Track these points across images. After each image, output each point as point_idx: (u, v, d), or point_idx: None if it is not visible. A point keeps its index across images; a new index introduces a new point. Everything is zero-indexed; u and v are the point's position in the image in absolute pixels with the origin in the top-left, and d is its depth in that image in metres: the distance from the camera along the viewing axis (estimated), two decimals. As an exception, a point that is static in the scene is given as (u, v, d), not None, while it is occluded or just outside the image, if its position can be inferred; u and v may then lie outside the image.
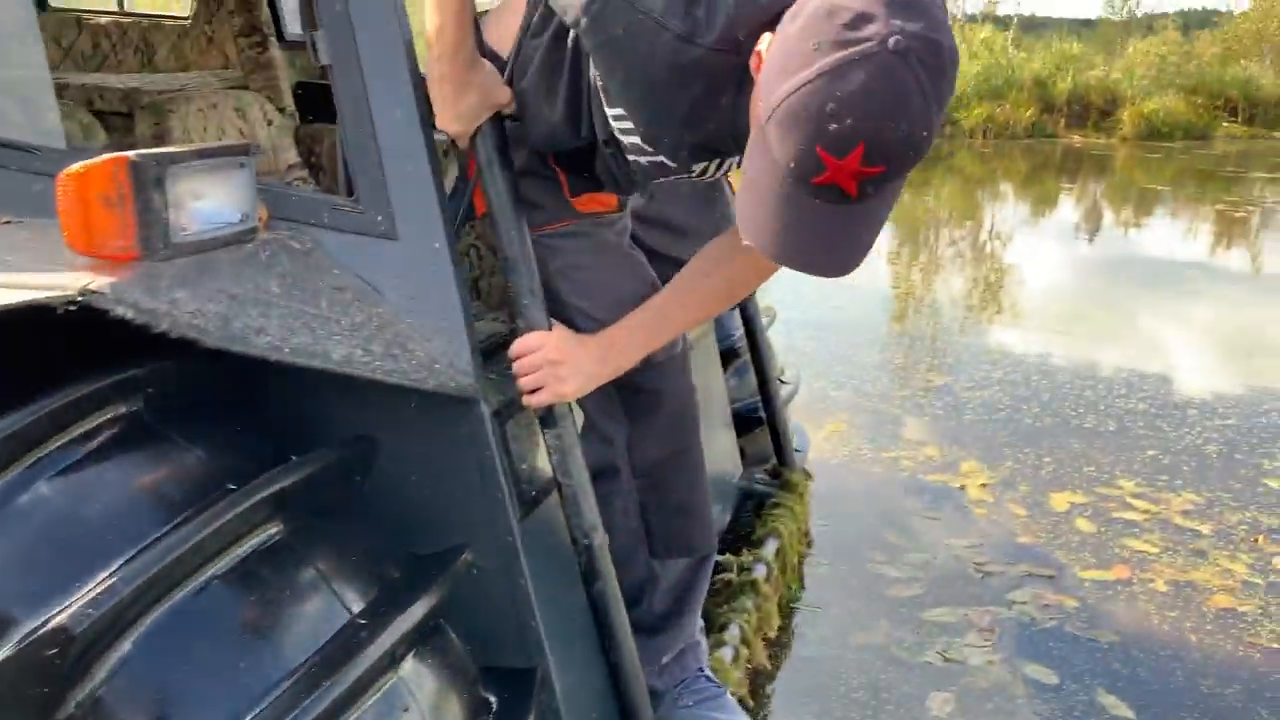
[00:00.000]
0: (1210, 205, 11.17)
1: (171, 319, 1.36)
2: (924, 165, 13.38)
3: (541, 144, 1.67)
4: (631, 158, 1.50)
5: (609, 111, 1.47)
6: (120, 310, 1.29)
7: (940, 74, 1.03)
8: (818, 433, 3.94)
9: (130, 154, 1.38)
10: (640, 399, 1.77)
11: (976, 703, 2.42)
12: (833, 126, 1.00)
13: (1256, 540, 3.31)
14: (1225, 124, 19.17)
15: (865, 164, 1.02)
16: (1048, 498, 3.56)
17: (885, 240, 8.81)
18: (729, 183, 1.97)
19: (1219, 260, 8.30)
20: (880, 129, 1.00)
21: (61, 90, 3.13)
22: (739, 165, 1.50)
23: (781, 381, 3.43)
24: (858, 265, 1.15)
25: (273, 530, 1.34)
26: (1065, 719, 2.40)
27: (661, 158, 1.43)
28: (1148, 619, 2.83)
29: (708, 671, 1.94)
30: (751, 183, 1.13)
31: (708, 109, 1.19)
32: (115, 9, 4.15)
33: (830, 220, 1.08)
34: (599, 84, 1.46)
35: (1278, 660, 2.65)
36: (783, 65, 1.05)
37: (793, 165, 1.05)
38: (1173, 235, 9.44)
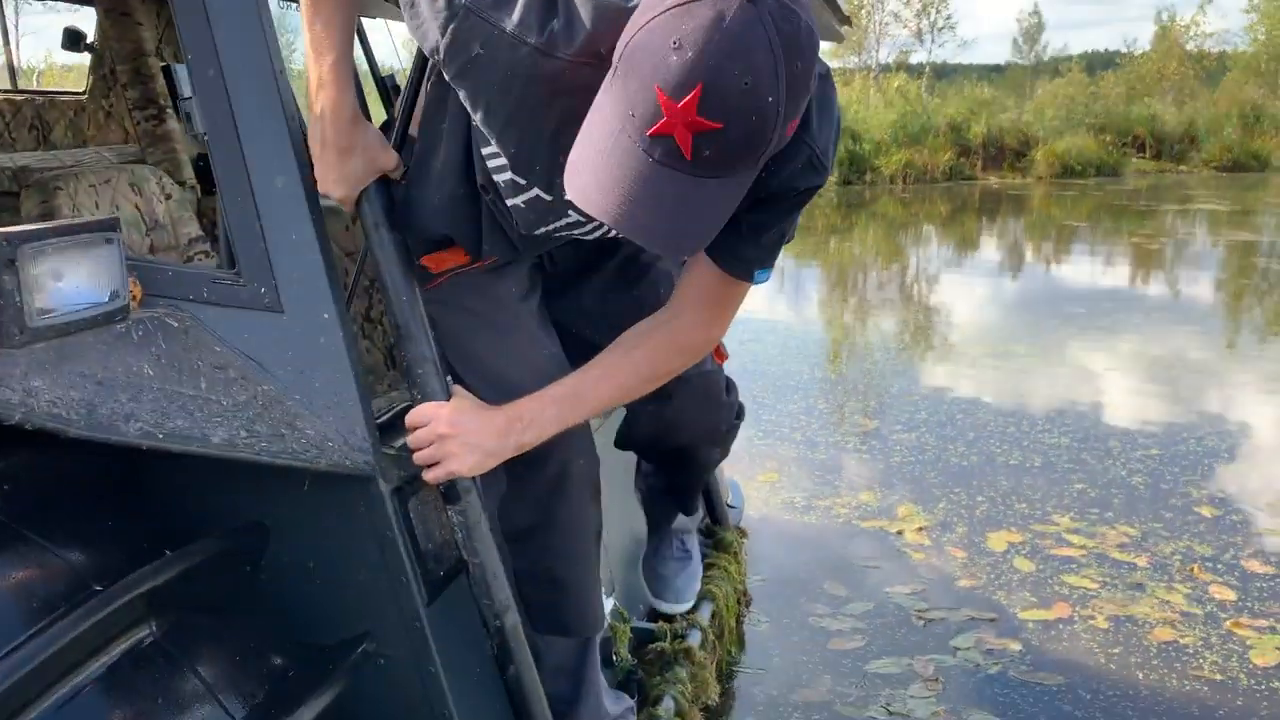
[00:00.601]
0: (1126, 238, 11.45)
1: (26, 409, 1.25)
2: (847, 210, 13.66)
3: (434, 210, 1.56)
4: (509, 201, 1.42)
5: (483, 151, 1.39)
6: (-36, 403, 1.18)
7: (794, 45, 0.99)
8: (750, 483, 3.87)
9: (-24, 234, 1.28)
10: (517, 462, 1.62)
11: (924, 757, 2.34)
12: (673, 59, 0.96)
13: (1192, 570, 3.28)
14: (1135, 160, 19.80)
15: (702, 112, 0.97)
16: (985, 538, 3.51)
17: (813, 285, 8.88)
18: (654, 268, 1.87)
19: (1138, 291, 8.46)
20: (721, 70, 0.96)
21: (-54, 169, 3.00)
22: None
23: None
24: (693, 249, 1.09)
25: (144, 633, 1.22)
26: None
27: (536, 190, 1.36)
28: (1091, 657, 2.77)
29: None
30: (588, 135, 1.08)
31: (576, 124, 1.12)
32: (8, 87, 4.02)
33: (666, 185, 1.03)
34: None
35: (1225, 693, 2.60)
36: (636, 17, 1.03)
37: (632, 112, 1.01)
38: (1093, 269, 9.63)
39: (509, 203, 1.42)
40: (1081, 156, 18.07)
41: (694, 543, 2.22)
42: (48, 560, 1.24)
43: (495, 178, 1.40)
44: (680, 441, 1.86)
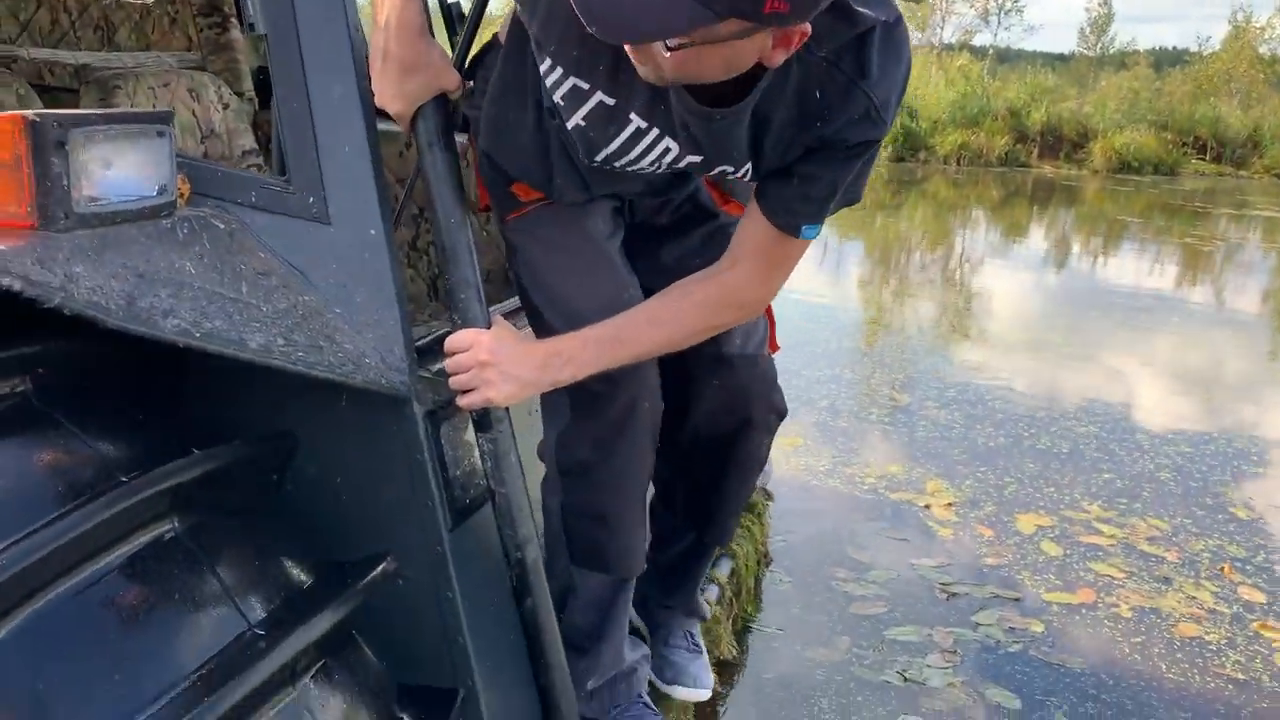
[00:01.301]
0: (1177, 239, 11.20)
1: (66, 295, 1.22)
2: (898, 188, 13.50)
3: (509, 146, 1.54)
4: (571, 123, 1.37)
5: (540, 69, 1.35)
6: (7, 281, 1.15)
7: None
8: (775, 448, 3.82)
9: (30, 113, 1.25)
10: (584, 394, 1.59)
11: (935, 729, 2.30)
12: None
13: (1222, 569, 3.20)
14: (1194, 161, 19.34)
15: None
16: (1014, 519, 3.45)
17: (855, 261, 8.76)
18: None
19: (1183, 293, 8.27)
20: None
21: (10, 63, 2.98)
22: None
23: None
24: (633, 37, 1.05)
25: (166, 527, 1.20)
26: (1024, 746, 2.29)
27: (599, 95, 1.30)
28: (1114, 645, 2.71)
29: (645, 698, 1.80)
30: None
31: None
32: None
33: None
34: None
35: (1248, 693, 2.53)
36: None
37: None
38: (1139, 267, 9.42)
39: (570, 124, 1.37)
40: (1140, 153, 17.65)
41: (700, 635, 2.11)
42: (77, 447, 1.22)
43: (555, 97, 1.35)
44: (741, 416, 1.75)
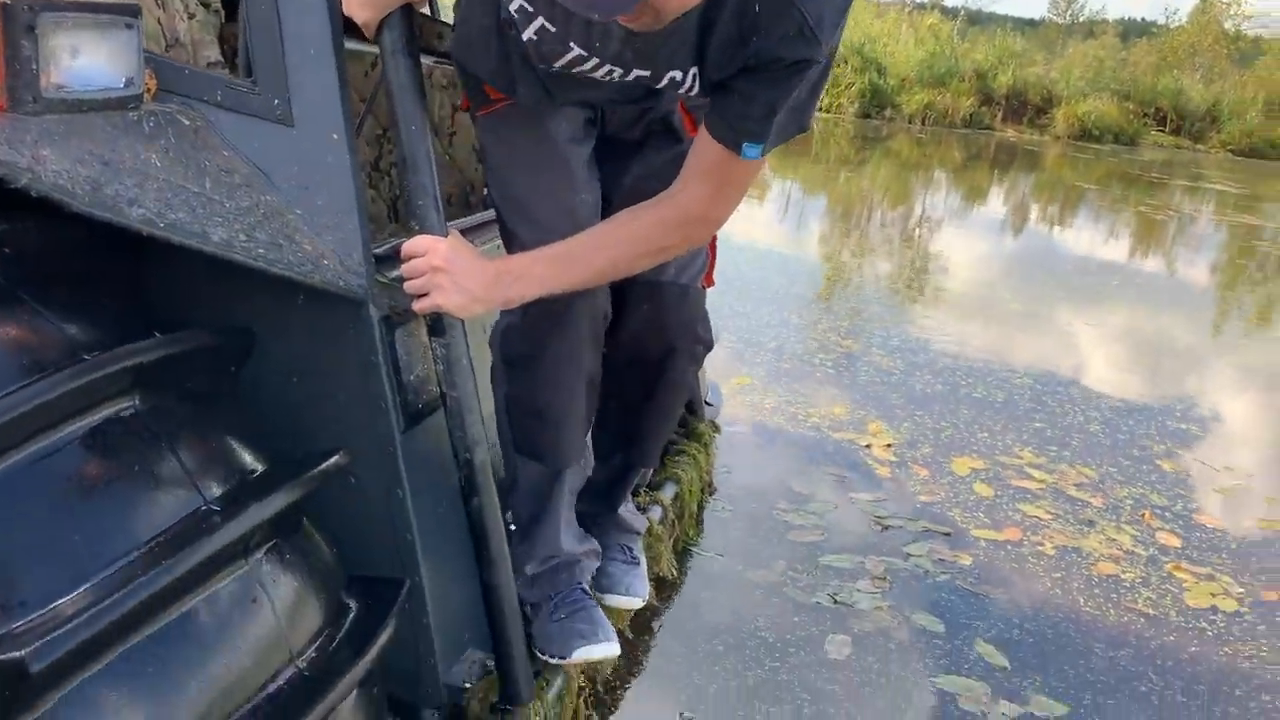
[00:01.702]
0: (1133, 208, 11.36)
1: (33, 175, 1.25)
2: (863, 144, 13.51)
3: (473, 47, 1.58)
4: (524, 35, 1.42)
5: None
6: (-26, 160, 1.18)
7: None
8: (724, 386, 3.91)
9: (-1, -2, 1.26)
10: None
11: (868, 646, 2.41)
12: None
13: (1143, 515, 3.34)
14: (1154, 132, 19.54)
15: None
16: (950, 460, 3.57)
17: (818, 217, 8.82)
18: None
19: (1134, 262, 8.43)
20: None
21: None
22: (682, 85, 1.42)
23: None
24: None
25: (126, 404, 1.24)
26: (944, 662, 2.40)
27: (541, 20, 1.35)
28: (1035, 579, 2.84)
29: (585, 587, 1.87)
30: None
31: None
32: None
33: None
34: None
35: (1157, 627, 2.67)
36: None
37: None
38: (1094, 236, 9.57)
39: (524, 36, 1.42)
40: (1101, 121, 17.82)
41: (640, 549, 2.17)
42: (41, 325, 1.26)
43: (510, 9, 1.39)
44: (666, 342, 1.81)
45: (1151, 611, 2.74)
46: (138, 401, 1.26)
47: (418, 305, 1.53)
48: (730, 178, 1.47)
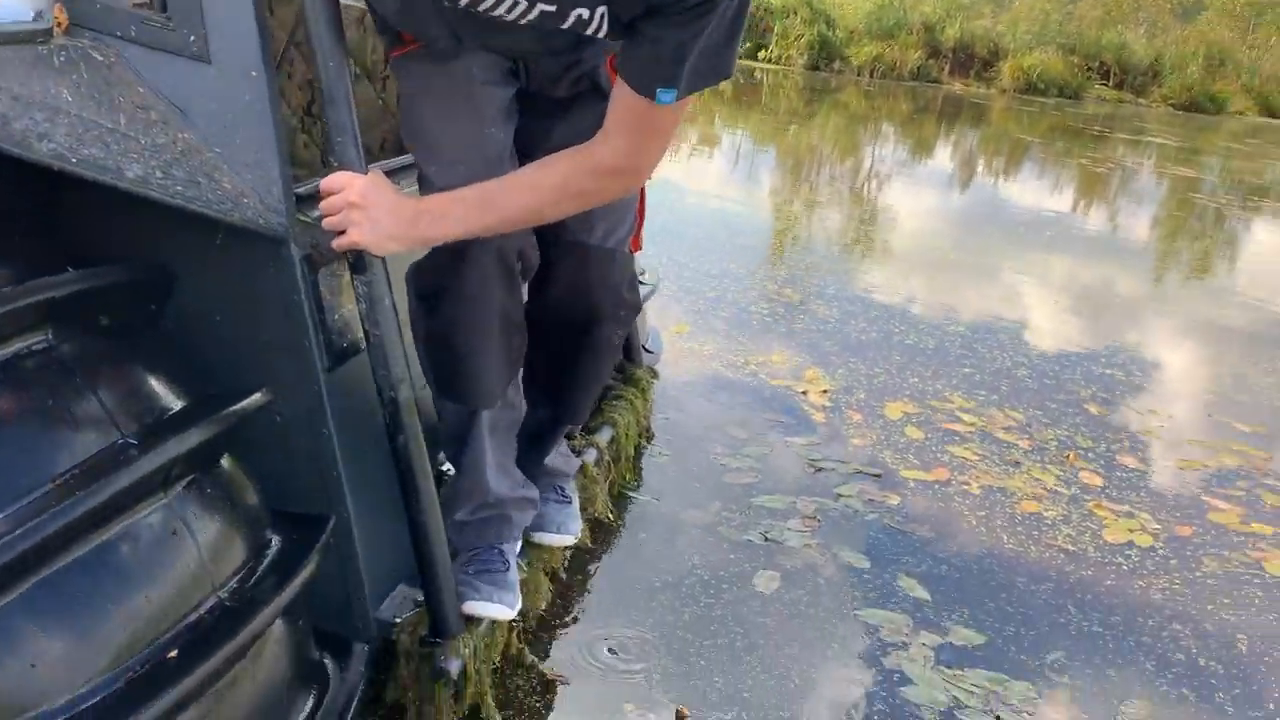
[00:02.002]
0: (1076, 161, 11.50)
1: (-63, 111, 1.24)
2: (811, 97, 13.45)
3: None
4: None
5: None
6: (-126, 94, 1.16)
7: None
8: (666, 333, 3.95)
9: (-104, -75, 1.24)
10: None
11: (797, 581, 2.47)
12: None
13: (1067, 456, 3.44)
14: (1097, 86, 19.71)
15: None
16: (883, 405, 3.64)
17: (767, 170, 8.84)
18: None
19: (1077, 215, 8.54)
20: None
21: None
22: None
23: (640, 282, 3.39)
24: None
25: (39, 338, 1.24)
26: (869, 596, 2.48)
27: None
28: (961, 517, 2.92)
29: (504, 548, 1.90)
30: None
31: None
32: None
33: None
34: None
35: (1076, 562, 2.77)
36: None
37: None
38: (1040, 189, 9.68)
39: None
40: (1046, 74, 17.95)
41: (573, 489, 2.20)
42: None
43: None
44: (591, 304, 1.82)
45: (1071, 547, 2.84)
46: (50, 336, 1.26)
47: (335, 242, 1.53)
48: (647, 125, 1.46)
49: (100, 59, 1.48)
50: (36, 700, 1.11)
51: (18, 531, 1.08)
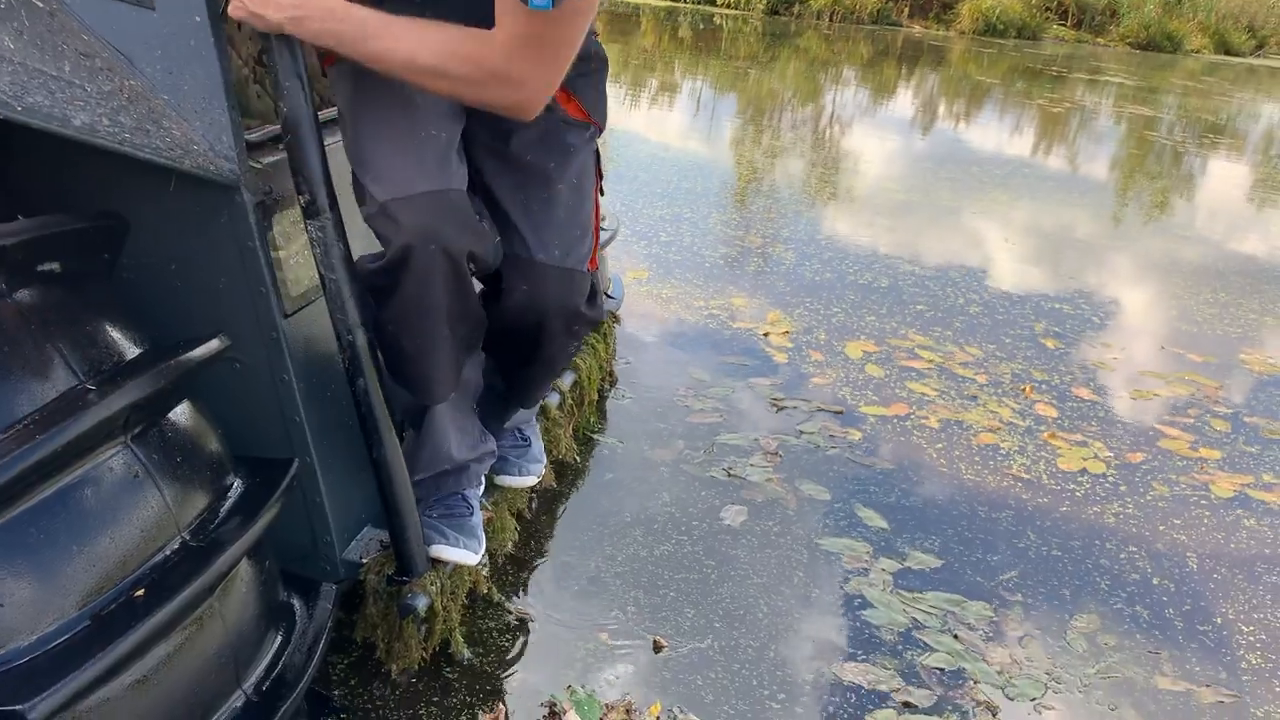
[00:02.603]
0: (1035, 102, 11.53)
1: (-125, 59, 1.22)
2: (771, 41, 13.34)
3: None
4: None
5: None
6: None
7: None
8: (627, 280, 3.97)
9: None
10: (375, 222, 1.61)
11: (760, 513, 2.52)
12: None
13: (1024, 389, 3.51)
14: (1055, 26, 19.71)
15: None
16: (844, 345, 3.68)
17: (729, 120, 8.80)
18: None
19: (1037, 157, 8.58)
20: None
21: None
22: None
23: (600, 228, 3.40)
24: None
25: (-9, 287, 1.24)
26: (828, 525, 2.54)
27: None
28: (919, 450, 2.98)
29: (467, 493, 1.92)
30: None
31: None
32: None
33: None
34: None
35: (1031, 490, 2.84)
36: None
37: None
38: (999, 131, 9.70)
39: None
40: (1005, 16, 17.93)
41: (533, 430, 2.21)
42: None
43: None
44: (542, 321, 1.80)
45: (1027, 476, 2.91)
46: (2, 284, 1.26)
47: (230, 9, 1.49)
48: (525, 32, 1.39)
49: (42, 6, 1.47)
50: (5, 639, 1.13)
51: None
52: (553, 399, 2.53)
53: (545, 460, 2.24)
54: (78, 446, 1.19)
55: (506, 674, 1.93)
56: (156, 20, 1.52)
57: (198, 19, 1.51)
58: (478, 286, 1.80)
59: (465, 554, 1.85)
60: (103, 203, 1.55)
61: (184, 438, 1.41)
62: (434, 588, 1.79)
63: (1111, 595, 2.41)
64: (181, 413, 1.43)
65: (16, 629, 1.12)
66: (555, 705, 1.85)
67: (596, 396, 2.91)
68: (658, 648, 2.04)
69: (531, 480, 2.14)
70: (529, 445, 2.16)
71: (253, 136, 1.68)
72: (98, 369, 1.30)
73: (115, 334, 1.40)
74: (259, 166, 1.61)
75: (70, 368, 1.27)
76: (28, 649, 1.13)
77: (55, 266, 1.35)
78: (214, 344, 1.50)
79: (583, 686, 1.91)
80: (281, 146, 1.63)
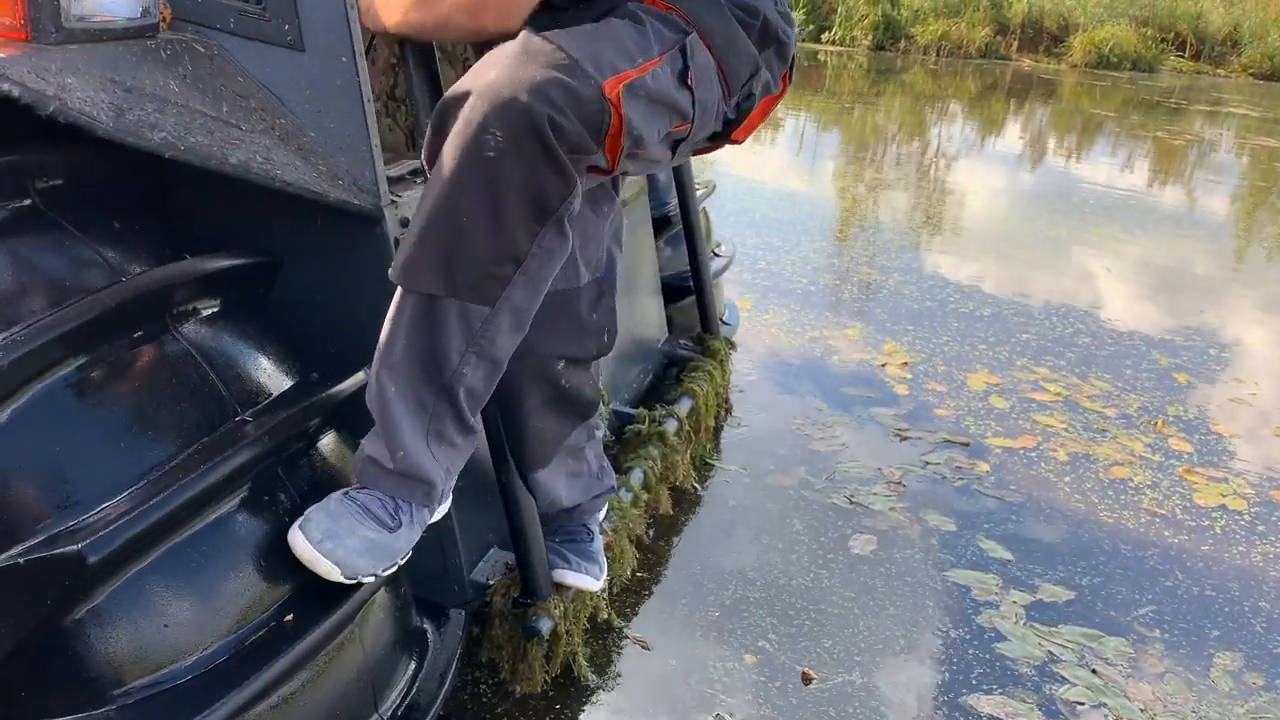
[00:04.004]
0: (1151, 134, 11.18)
1: (60, 103, 1.30)
2: (877, 77, 13.22)
3: None
4: None
5: None
6: (5, 87, 1.23)
7: None
8: (740, 306, 3.95)
9: (17, -70, 1.31)
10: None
11: (887, 542, 2.47)
12: None
13: (1156, 424, 3.37)
14: (1173, 58, 19.12)
15: None
16: (965, 377, 3.59)
17: (834, 155, 8.75)
18: None
19: (1154, 190, 8.31)
20: None
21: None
22: None
23: (716, 254, 3.40)
24: None
25: (157, 326, 1.31)
26: (952, 556, 2.48)
27: None
28: (1047, 483, 2.89)
29: (589, 523, 1.93)
30: None
31: None
32: None
33: None
34: None
35: (1166, 526, 2.72)
36: None
37: None
38: (1112, 165, 9.42)
39: None
40: (1119, 48, 17.45)
41: (596, 525, 1.99)
42: (80, 251, 1.32)
43: None
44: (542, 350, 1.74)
45: (1162, 511, 2.78)
46: (169, 321, 1.32)
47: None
48: None
49: (203, 51, 1.55)
50: (171, 659, 1.17)
51: (152, 501, 1.14)
52: (670, 425, 2.52)
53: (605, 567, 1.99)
54: (234, 477, 1.23)
55: (633, 700, 1.92)
56: (306, 61, 1.58)
57: (344, 59, 1.57)
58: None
59: (586, 579, 1.86)
60: (257, 236, 1.62)
61: (328, 469, 1.45)
62: (558, 611, 1.80)
63: (1252, 632, 2.28)
64: (327, 444, 1.47)
65: (181, 649, 1.17)
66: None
67: (713, 424, 2.89)
68: (806, 680, 2.00)
69: (592, 584, 1.91)
70: (590, 541, 1.95)
71: (391, 172, 1.73)
72: (254, 401, 1.35)
73: (268, 364, 1.46)
74: (399, 199, 1.66)
75: (231, 399, 1.32)
76: (189, 668, 1.17)
77: (218, 303, 1.41)
78: (359, 376, 1.54)
79: (730, 715, 1.89)
80: (420, 180, 1.68)
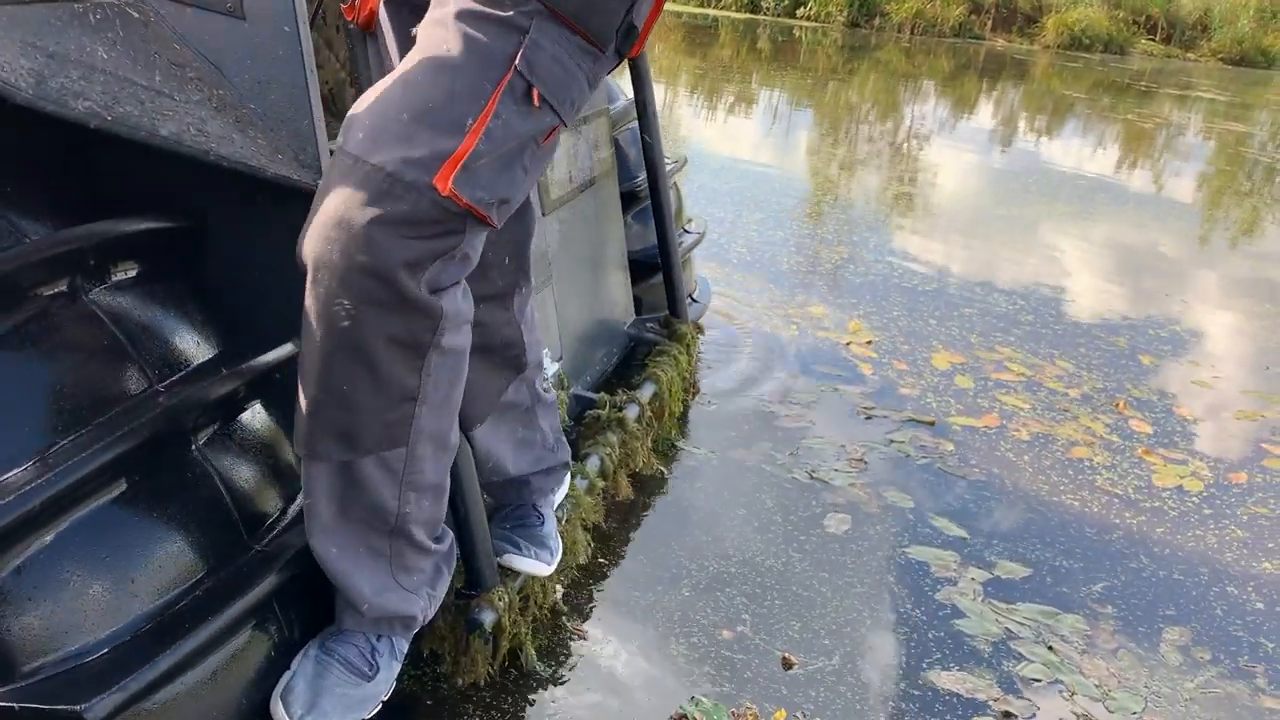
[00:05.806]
0: (1121, 117, 11.16)
1: (-27, 69, 1.22)
2: (851, 54, 13.15)
3: None
4: None
5: None
6: (-88, 51, 1.15)
7: None
8: (715, 280, 3.89)
9: (-73, -115, 1.22)
10: None
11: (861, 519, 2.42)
12: None
13: (1118, 404, 3.34)
14: (1144, 41, 19.10)
15: None
16: (930, 356, 3.55)
17: (806, 132, 8.68)
18: None
19: (1122, 173, 8.28)
20: None
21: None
22: None
23: (686, 230, 3.31)
24: None
25: (64, 286, 1.23)
26: (903, 535, 2.44)
27: None
28: (1008, 462, 2.85)
29: (538, 504, 1.87)
30: None
31: None
32: None
33: None
34: None
35: (1124, 506, 2.69)
36: None
37: None
38: (1082, 146, 9.39)
39: None
40: (1091, 30, 17.40)
41: (548, 507, 1.92)
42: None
43: None
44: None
45: (1118, 491, 2.76)
46: (79, 287, 1.25)
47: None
48: None
49: (137, 16, 1.46)
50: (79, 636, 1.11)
51: (57, 471, 1.07)
52: (631, 411, 2.45)
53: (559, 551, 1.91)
54: (148, 447, 1.16)
55: (587, 690, 1.86)
56: (247, 30, 1.50)
57: (287, 29, 1.49)
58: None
59: (537, 564, 1.80)
60: (185, 204, 1.53)
61: (253, 442, 1.38)
62: (502, 603, 1.73)
63: (1204, 611, 2.26)
64: (251, 417, 1.40)
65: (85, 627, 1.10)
66: (685, 715, 1.78)
67: (679, 409, 2.83)
68: (787, 665, 1.95)
69: (542, 569, 1.84)
70: (541, 524, 1.88)
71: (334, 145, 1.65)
72: (170, 371, 1.28)
73: (189, 335, 1.38)
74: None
75: (142, 368, 1.25)
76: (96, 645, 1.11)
77: (139, 265, 1.33)
78: (287, 348, 1.47)
79: (705, 697, 1.84)
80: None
